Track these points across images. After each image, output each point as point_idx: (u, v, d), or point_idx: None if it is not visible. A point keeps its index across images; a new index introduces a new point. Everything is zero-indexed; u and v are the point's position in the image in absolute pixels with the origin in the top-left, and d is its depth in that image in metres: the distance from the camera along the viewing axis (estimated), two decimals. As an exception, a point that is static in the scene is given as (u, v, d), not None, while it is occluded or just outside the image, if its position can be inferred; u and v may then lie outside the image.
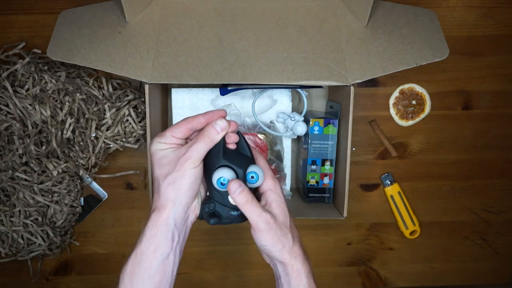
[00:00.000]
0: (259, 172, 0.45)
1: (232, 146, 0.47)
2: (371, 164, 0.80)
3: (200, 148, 0.44)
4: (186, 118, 0.46)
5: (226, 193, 0.45)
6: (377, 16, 0.66)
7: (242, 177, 0.45)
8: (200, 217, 0.47)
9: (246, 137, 0.67)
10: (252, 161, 0.46)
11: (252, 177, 0.45)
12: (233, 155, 0.46)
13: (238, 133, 0.47)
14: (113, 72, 0.60)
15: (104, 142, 0.72)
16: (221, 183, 0.44)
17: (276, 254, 0.46)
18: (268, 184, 0.47)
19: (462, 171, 0.81)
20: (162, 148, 0.45)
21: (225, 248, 0.82)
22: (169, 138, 0.45)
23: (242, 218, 0.46)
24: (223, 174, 0.44)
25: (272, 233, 0.45)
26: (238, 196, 0.44)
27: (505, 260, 0.84)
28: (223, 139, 0.46)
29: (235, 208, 0.46)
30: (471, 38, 0.78)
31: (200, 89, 0.72)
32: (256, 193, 0.47)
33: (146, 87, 0.60)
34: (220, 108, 0.69)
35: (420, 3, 0.71)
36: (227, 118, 0.70)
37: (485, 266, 0.85)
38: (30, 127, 0.68)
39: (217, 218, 0.46)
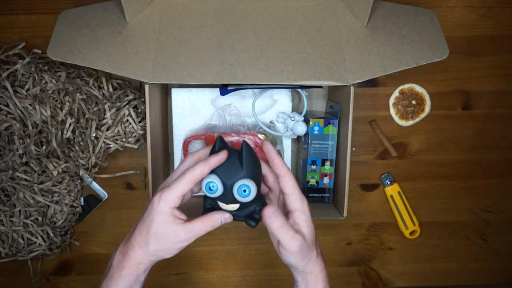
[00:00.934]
0: (252, 186, 0.45)
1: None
2: (371, 164, 0.80)
3: (200, 234, 0.46)
4: (184, 173, 0.46)
5: (216, 199, 0.46)
6: (377, 16, 0.66)
7: (229, 188, 0.45)
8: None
9: (246, 137, 0.67)
10: (245, 175, 0.45)
11: (244, 190, 0.45)
12: (226, 165, 0.46)
13: (243, 143, 0.46)
14: (113, 72, 0.60)
15: (104, 142, 0.72)
16: (210, 188, 0.45)
17: (300, 267, 0.49)
18: (296, 205, 0.47)
19: (462, 171, 0.81)
20: (168, 216, 0.45)
21: (225, 248, 0.82)
22: (178, 199, 0.46)
23: (238, 217, 0.48)
24: (210, 180, 0.45)
25: (302, 253, 0.47)
26: (274, 222, 0.45)
27: (505, 260, 0.84)
28: (220, 143, 0.46)
29: (228, 211, 0.47)
30: (471, 38, 0.78)
31: (200, 89, 0.72)
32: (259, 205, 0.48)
33: (146, 87, 0.60)
34: (220, 108, 0.70)
35: (420, 3, 0.71)
36: (227, 118, 0.70)
37: (485, 266, 0.85)
38: (30, 127, 0.68)
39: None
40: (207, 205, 0.48)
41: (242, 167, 0.45)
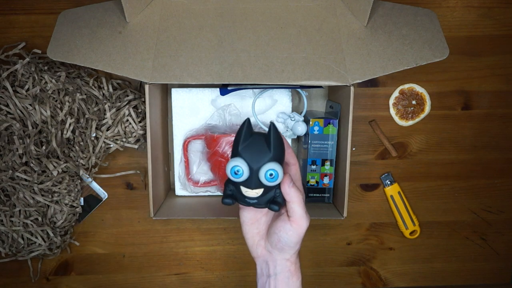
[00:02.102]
0: (279, 170, 0.43)
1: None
2: (371, 164, 0.80)
3: None
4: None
5: (238, 184, 0.45)
6: (377, 16, 0.66)
7: (255, 172, 0.43)
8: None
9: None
10: (272, 158, 0.44)
11: (271, 175, 0.43)
12: (253, 148, 0.44)
13: (270, 125, 0.44)
14: (113, 72, 0.60)
15: (104, 142, 0.72)
16: (235, 172, 0.43)
17: (291, 254, 0.48)
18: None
19: (462, 171, 0.81)
20: None
21: (225, 248, 0.82)
22: None
23: (259, 204, 0.46)
24: (237, 163, 0.43)
25: (303, 235, 0.46)
26: (292, 188, 0.45)
27: (505, 260, 0.85)
28: (248, 126, 0.44)
29: (248, 198, 0.45)
30: (471, 38, 0.78)
31: (200, 89, 0.72)
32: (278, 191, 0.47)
33: (146, 87, 0.60)
34: (220, 108, 0.70)
35: (420, 3, 0.71)
36: (227, 118, 0.70)
37: (485, 266, 0.85)
38: (30, 127, 0.68)
39: (230, 199, 0.46)
40: (228, 191, 0.46)
41: (270, 149, 0.43)
